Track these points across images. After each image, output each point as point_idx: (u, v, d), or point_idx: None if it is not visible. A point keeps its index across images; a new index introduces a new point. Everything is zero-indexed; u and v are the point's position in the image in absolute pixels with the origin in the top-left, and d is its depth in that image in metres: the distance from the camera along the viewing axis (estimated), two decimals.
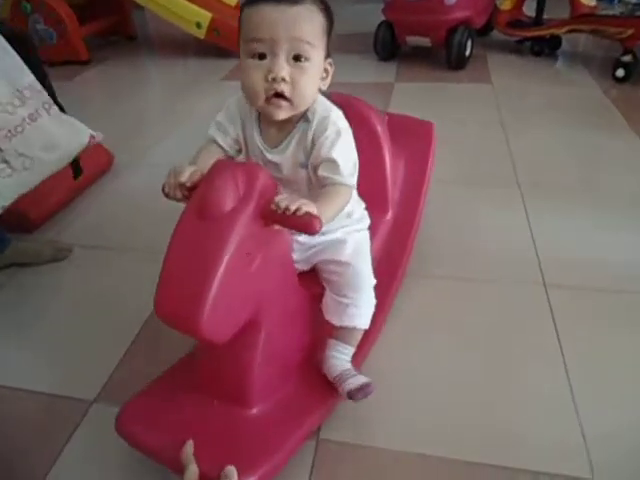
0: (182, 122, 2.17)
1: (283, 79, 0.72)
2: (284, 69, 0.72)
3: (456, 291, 1.21)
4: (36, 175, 1.23)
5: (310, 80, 0.75)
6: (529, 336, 1.08)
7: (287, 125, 0.81)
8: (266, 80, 0.73)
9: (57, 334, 1.17)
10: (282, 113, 0.76)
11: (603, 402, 0.93)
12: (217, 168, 0.73)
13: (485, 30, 2.84)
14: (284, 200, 0.68)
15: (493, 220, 1.44)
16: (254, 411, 0.85)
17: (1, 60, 1.17)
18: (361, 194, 1.01)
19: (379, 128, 1.13)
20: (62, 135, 1.25)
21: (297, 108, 0.77)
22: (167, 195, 0.76)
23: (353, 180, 0.81)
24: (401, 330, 1.10)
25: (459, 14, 2.38)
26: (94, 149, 1.79)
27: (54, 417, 0.98)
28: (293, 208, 0.66)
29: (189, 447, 0.74)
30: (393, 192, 1.20)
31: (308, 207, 0.67)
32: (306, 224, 0.67)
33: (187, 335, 0.71)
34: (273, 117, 0.77)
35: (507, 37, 2.71)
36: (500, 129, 1.95)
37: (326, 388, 0.91)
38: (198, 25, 2.84)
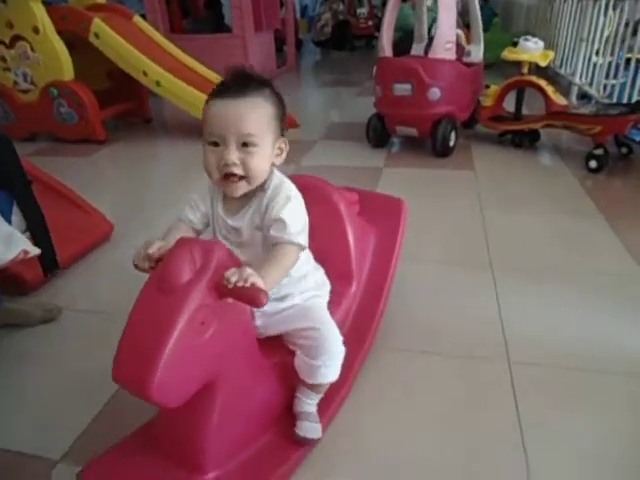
0: (182, 198, 2.30)
1: (234, 163, 0.84)
2: (233, 155, 0.84)
3: (421, 365, 1.25)
4: None
5: (260, 160, 0.87)
6: (489, 412, 1.11)
7: (246, 196, 0.92)
8: (219, 164, 0.86)
9: (31, 395, 1.21)
10: (239, 190, 0.88)
11: None
12: (178, 245, 0.82)
13: (470, 123, 3.08)
14: (233, 275, 0.76)
15: (463, 299, 1.51)
16: (210, 476, 0.87)
17: None
18: (325, 266, 1.11)
19: (340, 204, 1.22)
20: None
21: (252, 184, 0.89)
22: (136, 266, 0.85)
23: (301, 239, 0.89)
24: (364, 399, 1.14)
25: (442, 109, 2.61)
26: (97, 219, 1.93)
27: (20, 474, 1.01)
28: (240, 283, 0.75)
29: None
30: (360, 264, 1.27)
31: (254, 279, 0.75)
32: (252, 298, 0.75)
33: (141, 399, 0.75)
34: (232, 195, 0.90)
35: (490, 130, 2.93)
36: (479, 213, 2.07)
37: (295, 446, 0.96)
38: None
